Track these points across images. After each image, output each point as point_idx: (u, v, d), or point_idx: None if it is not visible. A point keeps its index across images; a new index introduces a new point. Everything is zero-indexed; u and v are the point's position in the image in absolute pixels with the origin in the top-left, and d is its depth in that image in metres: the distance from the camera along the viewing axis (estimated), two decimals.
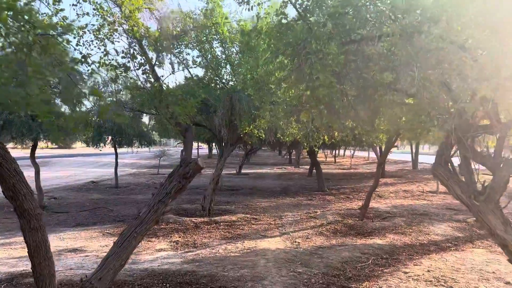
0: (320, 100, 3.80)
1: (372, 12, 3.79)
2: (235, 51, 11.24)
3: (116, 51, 4.13)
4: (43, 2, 3.59)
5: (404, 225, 10.41)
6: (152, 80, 4.52)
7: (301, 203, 14.99)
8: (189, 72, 10.24)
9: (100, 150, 19.56)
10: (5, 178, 3.13)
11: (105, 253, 4.36)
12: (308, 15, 3.83)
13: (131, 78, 4.77)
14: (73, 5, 4.03)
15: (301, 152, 38.01)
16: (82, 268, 6.81)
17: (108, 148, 20.49)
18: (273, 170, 33.60)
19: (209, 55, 10.88)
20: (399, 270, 6.81)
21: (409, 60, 3.53)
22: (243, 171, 28.90)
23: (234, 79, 11.55)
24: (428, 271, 6.69)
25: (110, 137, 18.53)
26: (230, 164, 32.78)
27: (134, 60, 4.27)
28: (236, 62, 11.10)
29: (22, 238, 3.53)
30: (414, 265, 7.09)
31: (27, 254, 3.48)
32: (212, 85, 11.29)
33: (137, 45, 4.47)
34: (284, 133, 11.41)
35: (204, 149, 63.64)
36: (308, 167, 29.46)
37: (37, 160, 13.78)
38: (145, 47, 4.65)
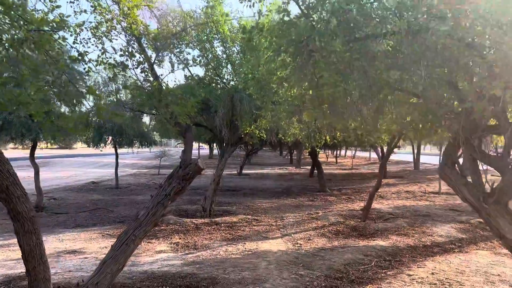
0: (324, 100, 3.69)
1: (377, 9, 3.68)
2: (236, 50, 11.15)
3: (114, 49, 4.03)
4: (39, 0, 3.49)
5: (407, 226, 10.29)
6: (151, 79, 4.42)
7: (303, 204, 14.88)
8: (189, 71, 10.15)
9: (101, 151, 19.47)
10: None
11: (105, 255, 4.28)
12: (311, 12, 3.72)
13: (129, 77, 4.67)
14: (70, 2, 3.93)
15: (302, 152, 37.87)
16: (81, 270, 6.72)
17: (109, 149, 20.40)
18: (274, 170, 33.50)
19: (210, 55, 10.78)
20: (403, 272, 6.70)
21: (416, 59, 3.42)
22: (244, 171, 28.78)
23: (235, 79, 11.45)
24: (433, 273, 6.58)
25: (110, 138, 18.43)
26: (231, 164, 32.71)
27: (133, 59, 4.16)
28: (237, 62, 11.00)
29: None
30: (418, 267, 6.97)
31: None
32: (213, 85, 11.20)
33: (135, 43, 4.36)
34: (285, 134, 11.30)
35: (205, 149, 63.57)
36: (309, 167, 29.35)
37: (37, 161, 13.70)
38: (144, 45, 4.55)
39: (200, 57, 10.08)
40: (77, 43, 3.77)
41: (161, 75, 4.57)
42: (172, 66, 4.81)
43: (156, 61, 4.55)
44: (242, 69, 10.10)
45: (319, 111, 4.24)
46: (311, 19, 3.72)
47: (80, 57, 3.59)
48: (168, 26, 4.96)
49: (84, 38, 3.89)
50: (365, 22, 3.69)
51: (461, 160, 4.28)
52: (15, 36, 2.33)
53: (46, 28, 2.49)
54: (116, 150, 19.73)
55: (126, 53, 4.05)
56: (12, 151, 50.62)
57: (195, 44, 10.35)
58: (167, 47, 4.93)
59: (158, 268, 6.82)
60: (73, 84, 2.92)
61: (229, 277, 6.28)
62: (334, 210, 13.21)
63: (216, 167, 12.73)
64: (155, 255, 7.80)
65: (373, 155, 47.24)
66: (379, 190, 13.27)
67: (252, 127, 10.80)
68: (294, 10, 3.86)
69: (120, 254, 3.57)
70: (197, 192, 16.89)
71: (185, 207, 13.10)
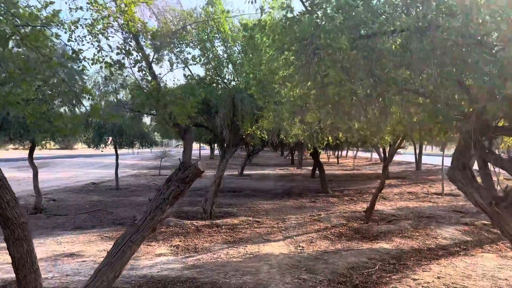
0: (329, 99, 3.54)
1: (385, 4, 3.53)
2: (237, 50, 11.00)
3: (110, 47, 3.88)
4: None
5: (411, 228, 10.13)
6: (150, 78, 4.27)
7: (305, 205, 14.72)
8: (189, 70, 10.00)
9: (102, 151, 19.35)
10: None
11: (103, 258, 4.13)
12: (315, 9, 3.57)
13: (126, 76, 4.54)
14: None
15: (303, 153, 37.72)
16: (79, 274, 6.58)
17: (110, 149, 20.28)
18: (275, 171, 33.36)
19: (211, 54, 10.63)
20: (408, 276, 6.54)
21: (425, 57, 3.26)
22: (245, 172, 28.63)
23: (236, 79, 11.31)
24: (438, 277, 6.42)
25: (110, 138, 18.31)
26: (232, 165, 32.57)
27: (130, 57, 4.01)
28: (238, 61, 10.86)
29: None
30: (423, 271, 6.82)
31: None
32: (214, 85, 11.06)
33: (132, 40, 4.22)
34: (287, 134, 11.15)
35: (206, 149, 63.46)
36: (310, 168, 29.21)
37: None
38: (142, 43, 4.40)
39: (200, 56, 9.93)
40: (72, 41, 3.65)
41: (160, 74, 4.43)
42: (171, 65, 4.65)
43: (154, 60, 4.41)
44: (244, 68, 9.95)
45: (324, 111, 4.09)
46: (316, 15, 3.57)
47: (75, 55, 3.45)
48: (167, 23, 4.82)
49: (79, 36, 3.75)
50: (372, 19, 3.54)
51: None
52: (0, 32, 2.18)
53: (35, 24, 2.35)
54: (116, 151, 19.60)
55: (123, 51, 3.90)
56: (13, 152, 50.63)
57: (195, 43, 10.21)
58: (166, 45, 4.79)
59: (158, 272, 6.67)
60: (66, 83, 2.77)
61: (230, 281, 6.13)
62: (336, 211, 13.06)
63: (217, 168, 12.58)
64: (154, 258, 7.66)
65: (375, 155, 47.04)
66: (381, 191, 13.12)
67: (254, 127, 10.65)
68: (297, 7, 3.71)
69: (116, 261, 3.42)
70: (198, 193, 16.74)
71: (186, 209, 12.95)
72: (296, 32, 3.36)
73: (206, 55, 10.38)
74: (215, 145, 36.54)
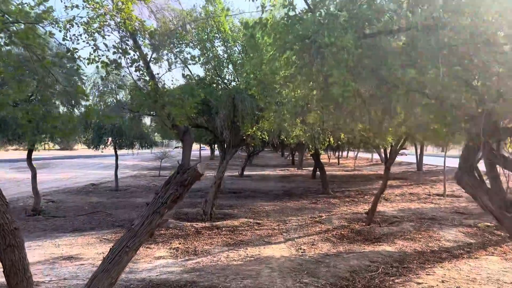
0: (332, 100, 3.43)
1: (390, 2, 3.42)
2: (237, 50, 10.89)
3: (106, 45, 3.76)
4: None
5: (413, 230, 10.01)
6: (147, 78, 4.16)
7: (305, 206, 14.60)
8: (189, 69, 9.88)
9: (102, 152, 19.24)
10: None
11: (99, 264, 4.02)
12: (319, 6, 3.45)
13: (124, 76, 4.43)
14: None
15: (304, 153, 37.62)
16: (77, 278, 6.47)
17: (109, 150, 20.17)
18: (276, 172, 33.26)
19: (211, 54, 10.52)
20: (411, 280, 6.42)
21: (432, 56, 3.15)
22: (245, 173, 28.52)
23: (236, 79, 11.20)
24: (443, 281, 6.31)
25: (110, 139, 18.20)
26: (232, 166, 32.46)
27: (126, 56, 3.90)
28: (238, 62, 10.75)
29: None
30: (427, 274, 6.70)
31: None
32: (214, 85, 10.94)
33: (129, 39, 4.10)
34: (288, 135, 11.03)
35: (206, 150, 63.39)
36: (311, 168, 29.10)
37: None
38: (140, 42, 4.29)
39: (200, 56, 9.81)
40: (67, 40, 3.53)
41: (157, 74, 4.31)
42: (170, 64, 4.54)
43: (152, 59, 4.29)
44: (244, 68, 9.83)
45: (327, 112, 3.98)
46: (318, 13, 3.46)
47: (70, 54, 3.34)
48: (166, 23, 4.71)
49: (74, 35, 3.64)
50: (376, 17, 3.43)
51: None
52: None
53: (25, 21, 2.24)
54: (115, 152, 19.50)
55: (120, 50, 3.79)
56: (13, 152, 50.51)
57: (195, 43, 10.10)
58: (165, 45, 4.67)
59: (157, 275, 6.56)
60: (59, 82, 2.66)
61: (230, 285, 6.01)
62: (338, 213, 12.94)
63: (217, 169, 12.47)
64: (154, 261, 7.54)
65: (376, 156, 46.92)
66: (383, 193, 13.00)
67: (254, 128, 10.53)
68: (299, 5, 3.61)
69: (113, 267, 3.30)
70: (198, 195, 16.62)
71: (186, 210, 12.82)
72: (299, 30, 3.24)
73: (206, 55, 10.27)
74: (216, 145, 36.46)
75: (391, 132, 6.91)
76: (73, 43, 3.60)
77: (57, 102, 10.85)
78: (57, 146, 27.37)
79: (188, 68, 9.67)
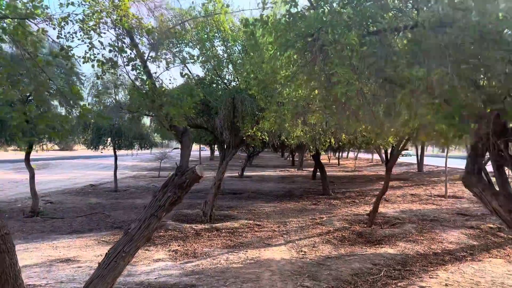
0: (335, 99, 3.32)
1: None
2: (237, 50, 10.79)
3: (102, 43, 3.65)
4: None
5: (415, 232, 9.88)
6: (144, 77, 4.05)
7: (306, 207, 14.48)
8: (188, 69, 9.78)
9: (101, 152, 19.14)
10: None
11: (95, 269, 3.91)
12: (322, 3, 3.34)
13: (120, 75, 4.32)
14: None
15: (304, 154, 37.52)
16: (74, 281, 6.35)
17: (109, 151, 20.07)
18: (276, 172, 33.16)
19: (210, 54, 10.41)
20: (414, 283, 6.30)
21: (440, 54, 3.03)
22: (245, 173, 28.42)
23: (236, 79, 11.09)
24: (446, 285, 6.19)
25: (109, 140, 18.10)
26: (232, 166, 32.33)
27: (123, 55, 3.79)
28: (238, 61, 10.64)
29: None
30: (430, 277, 6.57)
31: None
32: (214, 85, 10.84)
33: (126, 37, 3.99)
34: (289, 136, 10.91)
35: (206, 150, 63.32)
36: (311, 169, 28.99)
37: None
38: (137, 40, 4.18)
39: (199, 55, 9.71)
40: (62, 38, 3.42)
41: (155, 73, 4.20)
42: (167, 63, 4.42)
43: (150, 58, 4.19)
44: (244, 68, 9.72)
45: (329, 112, 3.87)
46: (321, 10, 3.34)
47: (65, 53, 3.22)
48: (164, 20, 4.60)
49: (69, 32, 3.53)
50: (381, 14, 3.32)
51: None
52: None
53: (14, 16, 2.14)
54: (115, 152, 19.40)
55: (116, 48, 3.68)
56: (13, 153, 50.39)
57: (195, 43, 9.99)
58: (163, 43, 4.57)
59: (155, 278, 6.45)
60: (53, 81, 2.55)
61: None
62: (339, 214, 12.81)
63: (217, 169, 12.35)
64: (152, 263, 7.43)
65: (376, 156, 46.84)
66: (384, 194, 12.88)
67: (254, 129, 10.42)
68: (301, 2, 3.50)
69: (108, 273, 3.19)
70: (198, 196, 16.50)
71: (185, 212, 12.71)
72: (301, 28, 3.13)
73: (205, 54, 10.16)
74: (215, 146, 36.36)
75: (394, 132, 6.80)
76: (67, 41, 3.49)
77: (56, 103, 10.76)
78: (56, 147, 27.28)
79: (187, 67, 9.57)
